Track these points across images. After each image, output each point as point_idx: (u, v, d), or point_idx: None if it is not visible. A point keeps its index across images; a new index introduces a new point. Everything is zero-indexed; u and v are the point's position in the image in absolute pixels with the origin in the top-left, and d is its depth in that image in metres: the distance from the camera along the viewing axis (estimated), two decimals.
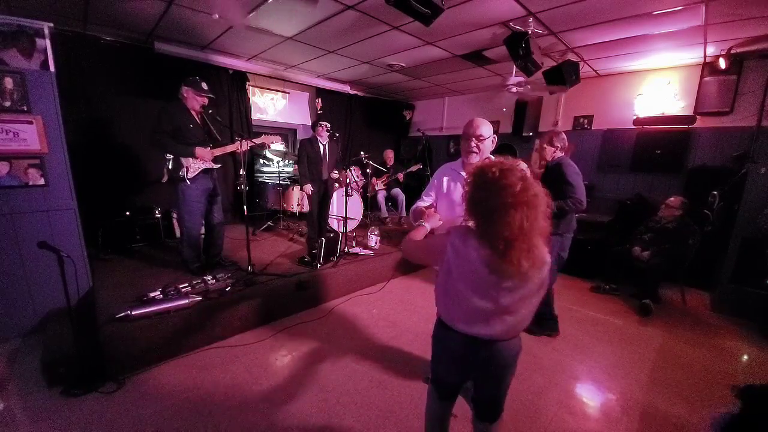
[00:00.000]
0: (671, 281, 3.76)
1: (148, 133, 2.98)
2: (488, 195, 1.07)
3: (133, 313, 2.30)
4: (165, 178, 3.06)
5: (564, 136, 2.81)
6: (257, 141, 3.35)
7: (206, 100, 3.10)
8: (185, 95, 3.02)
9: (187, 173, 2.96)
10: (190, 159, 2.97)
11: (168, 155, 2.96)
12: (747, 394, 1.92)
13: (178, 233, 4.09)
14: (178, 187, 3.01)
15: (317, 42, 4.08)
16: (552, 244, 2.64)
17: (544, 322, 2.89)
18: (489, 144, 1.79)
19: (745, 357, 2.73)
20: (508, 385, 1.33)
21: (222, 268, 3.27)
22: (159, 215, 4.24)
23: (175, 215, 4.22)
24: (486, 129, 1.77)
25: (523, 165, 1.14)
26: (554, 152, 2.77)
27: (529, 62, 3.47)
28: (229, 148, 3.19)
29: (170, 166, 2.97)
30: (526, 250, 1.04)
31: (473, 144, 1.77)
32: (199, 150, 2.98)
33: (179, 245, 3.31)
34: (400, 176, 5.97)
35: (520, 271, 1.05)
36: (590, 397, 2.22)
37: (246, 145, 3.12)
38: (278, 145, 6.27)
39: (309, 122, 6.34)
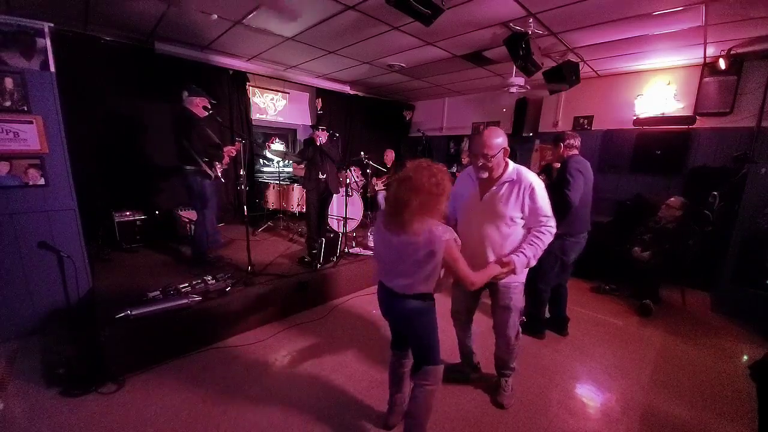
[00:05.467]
0: (671, 281, 3.76)
1: (189, 148, 3.10)
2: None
3: (133, 313, 2.29)
4: (213, 176, 3.27)
5: (571, 133, 2.80)
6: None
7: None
8: (198, 104, 3.20)
9: (218, 171, 3.28)
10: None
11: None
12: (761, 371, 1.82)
13: (192, 230, 4.18)
14: (204, 185, 3.24)
15: (317, 42, 4.08)
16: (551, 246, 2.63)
17: (532, 325, 2.87)
18: (500, 157, 1.75)
19: (746, 357, 2.72)
20: (419, 338, 1.62)
21: (221, 269, 3.28)
22: (158, 215, 4.24)
23: (183, 214, 4.35)
24: (494, 142, 1.72)
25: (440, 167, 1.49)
26: (564, 150, 2.75)
27: (529, 63, 3.47)
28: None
29: (205, 167, 3.19)
30: (403, 218, 1.45)
31: (481, 162, 1.75)
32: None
33: (195, 241, 3.45)
34: None
35: (398, 228, 1.47)
36: (590, 397, 2.22)
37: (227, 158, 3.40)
38: (278, 145, 6.29)
39: (309, 122, 6.34)
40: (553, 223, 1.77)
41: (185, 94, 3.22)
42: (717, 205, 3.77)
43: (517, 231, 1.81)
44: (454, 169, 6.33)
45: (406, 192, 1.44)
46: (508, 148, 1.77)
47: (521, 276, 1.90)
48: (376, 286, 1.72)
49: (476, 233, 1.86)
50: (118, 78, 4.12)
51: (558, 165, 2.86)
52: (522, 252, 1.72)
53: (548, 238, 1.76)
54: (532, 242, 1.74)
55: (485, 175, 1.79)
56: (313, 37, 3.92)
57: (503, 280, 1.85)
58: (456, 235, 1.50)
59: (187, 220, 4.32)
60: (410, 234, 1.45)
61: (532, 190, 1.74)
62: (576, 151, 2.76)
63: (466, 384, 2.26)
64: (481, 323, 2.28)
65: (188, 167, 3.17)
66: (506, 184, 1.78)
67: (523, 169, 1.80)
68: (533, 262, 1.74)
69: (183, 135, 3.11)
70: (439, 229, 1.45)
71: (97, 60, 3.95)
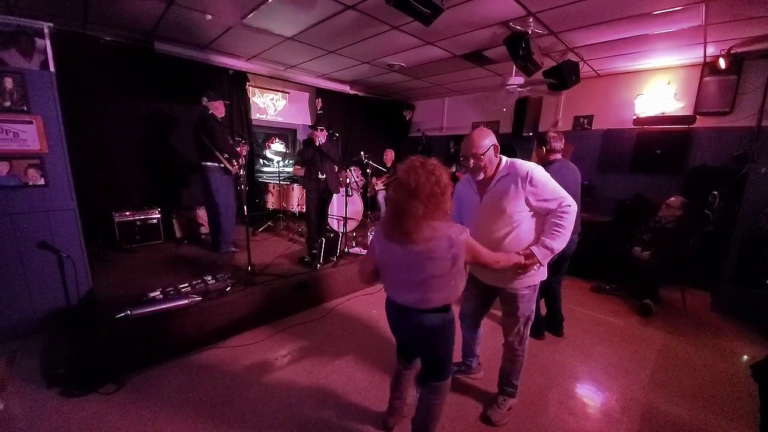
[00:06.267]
0: (671, 281, 3.76)
1: (211, 147, 3.49)
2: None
3: (133, 313, 2.29)
4: (233, 172, 3.65)
5: (554, 134, 2.63)
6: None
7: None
8: (217, 107, 3.53)
9: (236, 167, 3.63)
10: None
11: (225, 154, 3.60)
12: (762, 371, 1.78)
13: (207, 225, 4.37)
14: (226, 180, 3.59)
15: (317, 42, 4.08)
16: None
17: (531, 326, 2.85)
18: (491, 154, 1.72)
19: (746, 357, 2.72)
20: (434, 355, 1.53)
21: (221, 268, 3.28)
22: (159, 215, 4.25)
23: (200, 210, 4.60)
24: (483, 142, 1.69)
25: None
26: (546, 154, 2.62)
27: (529, 62, 3.47)
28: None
29: (226, 162, 3.57)
30: (408, 227, 1.31)
31: (472, 163, 1.72)
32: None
33: (216, 233, 3.78)
34: None
35: (404, 238, 1.34)
36: (591, 397, 2.22)
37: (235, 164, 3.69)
38: (278, 145, 6.30)
39: (309, 122, 6.33)
40: (569, 201, 1.68)
41: (204, 99, 3.54)
42: (717, 204, 3.76)
43: (526, 226, 1.72)
44: (454, 169, 6.32)
45: (405, 198, 1.30)
46: (498, 144, 1.73)
47: (530, 279, 1.80)
48: (376, 287, 1.72)
49: (485, 238, 1.76)
50: (117, 78, 4.12)
51: None
52: (542, 243, 1.66)
53: (570, 220, 1.66)
54: (552, 231, 1.66)
55: (480, 176, 1.76)
56: (312, 37, 3.91)
57: (510, 286, 1.81)
58: (467, 229, 1.44)
59: (202, 223, 4.57)
60: (421, 243, 1.32)
61: (531, 177, 1.66)
62: (558, 155, 2.62)
63: (470, 384, 2.26)
64: (485, 325, 2.28)
65: (209, 164, 3.49)
66: (501, 180, 1.73)
67: (517, 161, 1.75)
68: (558, 248, 1.66)
69: (205, 135, 3.43)
70: (454, 230, 1.35)
71: (96, 60, 3.94)
